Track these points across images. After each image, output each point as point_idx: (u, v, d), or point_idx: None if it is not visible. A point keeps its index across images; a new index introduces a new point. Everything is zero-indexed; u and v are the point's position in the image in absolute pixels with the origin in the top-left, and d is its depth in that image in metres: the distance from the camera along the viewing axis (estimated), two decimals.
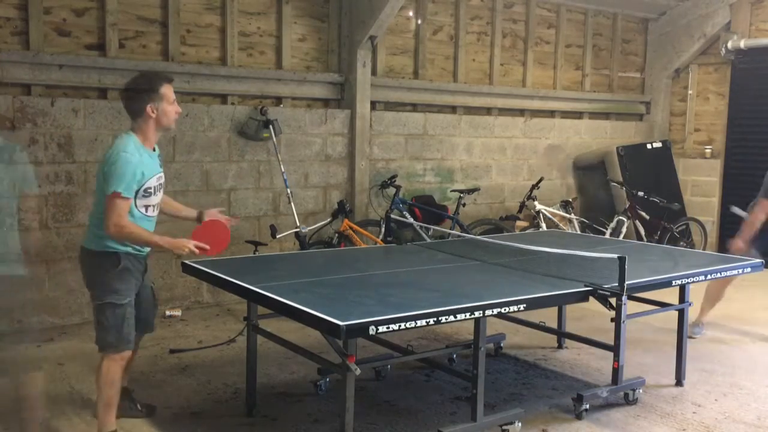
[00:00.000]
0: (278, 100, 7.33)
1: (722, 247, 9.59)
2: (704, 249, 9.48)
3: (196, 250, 3.73)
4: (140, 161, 3.63)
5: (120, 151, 3.59)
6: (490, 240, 5.51)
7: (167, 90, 3.74)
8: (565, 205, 8.88)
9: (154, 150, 3.82)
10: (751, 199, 5.98)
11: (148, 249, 3.85)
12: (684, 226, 9.46)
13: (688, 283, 4.54)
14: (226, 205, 6.90)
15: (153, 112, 3.68)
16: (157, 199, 3.80)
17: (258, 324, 4.28)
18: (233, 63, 7.00)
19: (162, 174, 3.85)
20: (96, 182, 3.78)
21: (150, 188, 3.70)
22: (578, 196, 9.80)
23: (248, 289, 3.73)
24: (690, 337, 5.45)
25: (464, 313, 3.42)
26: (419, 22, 8.28)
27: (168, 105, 3.73)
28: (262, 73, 7.14)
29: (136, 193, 3.64)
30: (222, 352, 5.44)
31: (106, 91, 6.30)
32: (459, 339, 5.85)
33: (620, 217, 8.81)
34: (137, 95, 3.68)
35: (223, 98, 6.99)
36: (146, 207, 3.74)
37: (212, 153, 6.79)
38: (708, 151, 10.19)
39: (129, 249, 3.73)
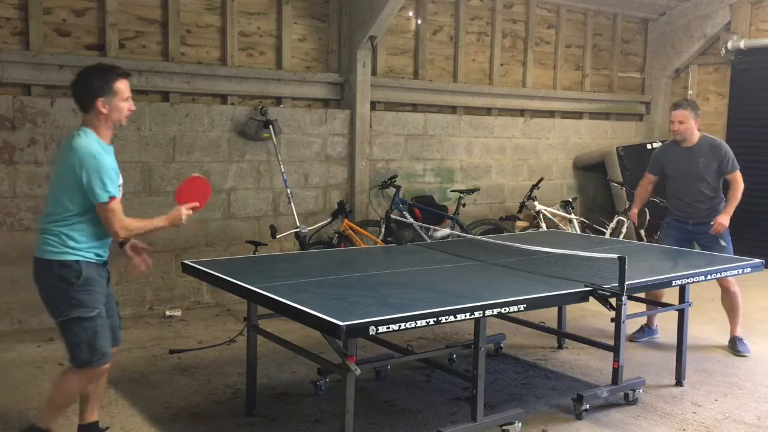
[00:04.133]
0: (278, 101, 7.33)
1: None
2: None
3: (191, 212, 3.65)
4: (110, 159, 3.43)
5: (92, 155, 3.34)
6: (490, 240, 5.51)
7: (121, 85, 3.47)
8: (565, 205, 8.88)
9: (110, 145, 3.54)
10: (750, 200, 5.97)
11: (107, 255, 3.59)
12: None
13: (688, 283, 4.54)
14: (226, 205, 6.91)
15: (104, 107, 3.42)
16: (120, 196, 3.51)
17: (258, 324, 4.27)
18: (233, 63, 7.00)
19: None
20: (54, 181, 3.48)
21: (120, 186, 3.49)
22: (578, 196, 9.80)
23: (248, 289, 3.72)
24: (742, 356, 5.61)
25: (464, 313, 3.42)
26: (419, 22, 8.28)
27: (121, 101, 3.47)
28: (262, 73, 7.13)
29: None
30: (222, 352, 5.44)
31: None
32: (459, 339, 5.85)
33: (620, 217, 8.80)
34: (88, 87, 3.44)
35: (223, 98, 6.99)
36: None
37: (212, 153, 6.79)
38: None
39: (90, 255, 3.44)
